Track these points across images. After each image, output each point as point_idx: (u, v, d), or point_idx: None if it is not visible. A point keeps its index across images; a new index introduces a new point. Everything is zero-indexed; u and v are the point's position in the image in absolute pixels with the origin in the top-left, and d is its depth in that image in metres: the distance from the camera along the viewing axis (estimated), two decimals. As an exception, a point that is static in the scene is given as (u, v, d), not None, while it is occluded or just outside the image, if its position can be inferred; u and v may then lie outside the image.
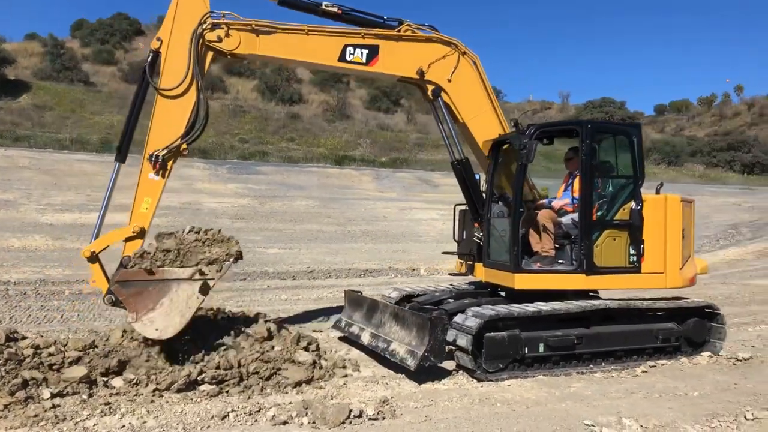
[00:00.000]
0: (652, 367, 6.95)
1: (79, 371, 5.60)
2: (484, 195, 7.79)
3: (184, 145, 6.89)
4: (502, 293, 7.80)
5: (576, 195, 7.36)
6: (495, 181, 7.97)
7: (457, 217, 8.29)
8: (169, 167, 6.84)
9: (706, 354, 7.39)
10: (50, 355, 6.01)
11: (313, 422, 4.95)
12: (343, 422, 4.95)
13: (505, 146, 7.91)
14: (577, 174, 7.35)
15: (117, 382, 5.69)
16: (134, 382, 5.69)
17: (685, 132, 74.22)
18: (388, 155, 40.85)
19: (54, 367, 5.86)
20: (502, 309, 6.59)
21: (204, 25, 6.86)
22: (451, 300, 7.81)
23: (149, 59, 6.82)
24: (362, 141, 42.73)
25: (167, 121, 6.82)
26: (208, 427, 4.86)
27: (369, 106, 53.74)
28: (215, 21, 6.93)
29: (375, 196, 27.77)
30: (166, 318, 6.34)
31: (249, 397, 5.59)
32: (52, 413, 4.93)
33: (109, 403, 5.21)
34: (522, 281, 7.05)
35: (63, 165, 25.31)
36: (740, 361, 7.20)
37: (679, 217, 7.41)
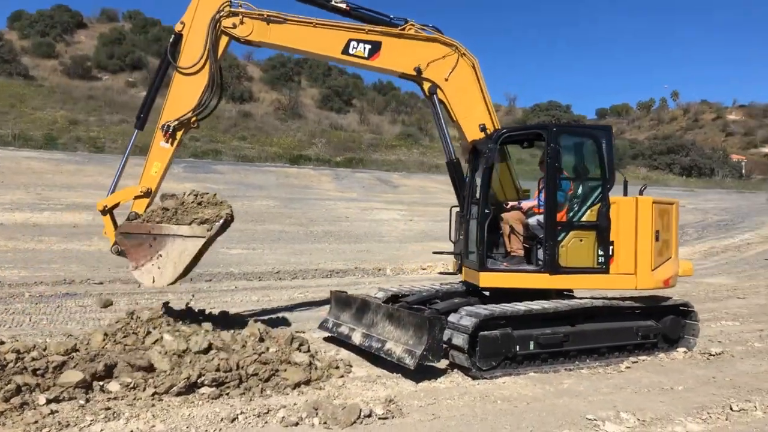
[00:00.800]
0: (634, 363, 7.22)
1: (75, 376, 5.40)
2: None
3: (194, 118, 7.68)
4: (486, 292, 7.94)
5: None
6: (475, 183, 8.11)
7: (453, 218, 8.39)
8: (178, 137, 7.69)
9: (681, 350, 7.72)
10: (33, 359, 5.81)
11: (325, 422, 4.94)
12: (354, 422, 4.97)
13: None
14: None
15: (113, 386, 5.50)
16: (131, 386, 5.53)
17: (626, 135, 76.96)
18: (343, 155, 40.83)
19: (38, 372, 5.64)
20: (496, 308, 6.73)
21: (222, 12, 7.57)
22: (438, 300, 7.91)
23: (171, 40, 7.64)
24: (316, 140, 42.59)
25: (181, 96, 7.61)
26: (219, 430, 4.79)
27: (321, 106, 53.56)
28: (233, 9, 7.64)
29: (335, 197, 27.67)
30: (161, 269, 7.14)
31: (251, 399, 5.52)
32: (52, 419, 4.76)
33: (110, 408, 5.05)
34: (486, 279, 7.28)
35: (9, 162, 24.21)
36: (713, 356, 7.56)
37: (650, 218, 7.60)
